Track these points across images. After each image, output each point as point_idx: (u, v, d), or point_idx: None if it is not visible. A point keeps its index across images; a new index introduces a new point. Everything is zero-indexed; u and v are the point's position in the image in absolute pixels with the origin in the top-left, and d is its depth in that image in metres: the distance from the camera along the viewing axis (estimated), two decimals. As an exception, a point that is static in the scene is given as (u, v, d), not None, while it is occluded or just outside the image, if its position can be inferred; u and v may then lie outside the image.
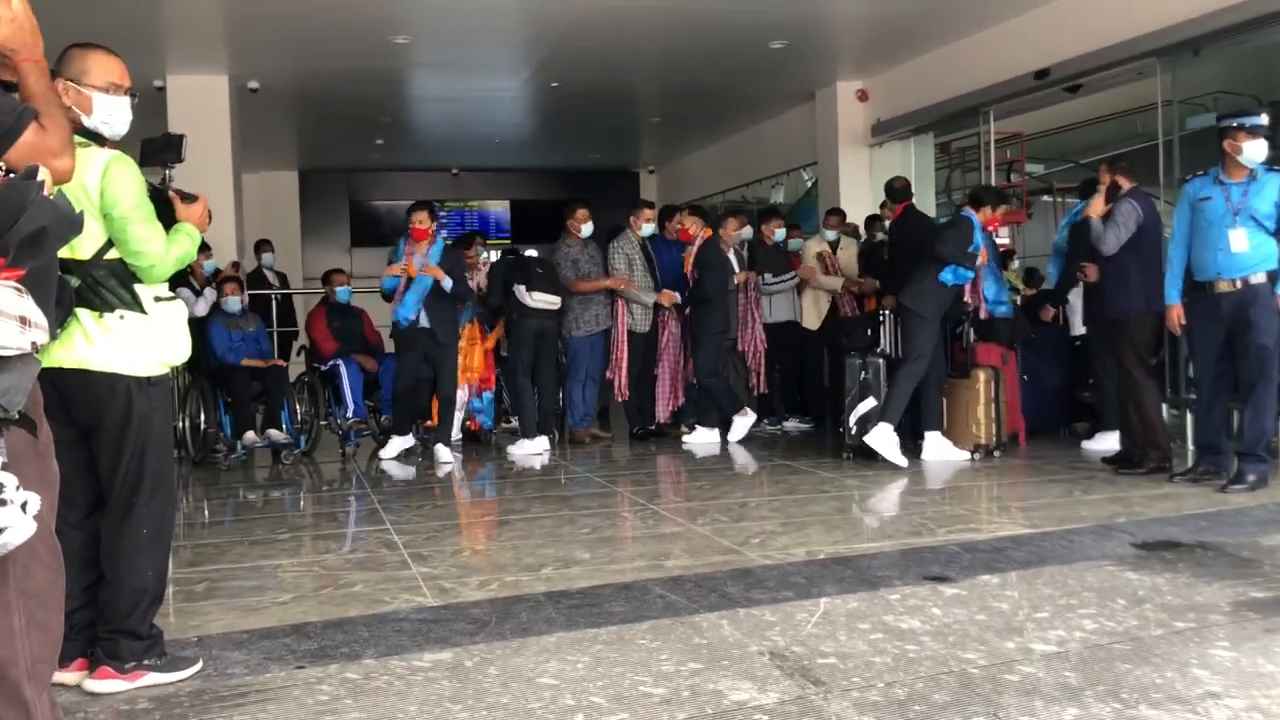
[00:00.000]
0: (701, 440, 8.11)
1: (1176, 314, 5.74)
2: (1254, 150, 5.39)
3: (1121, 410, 6.38)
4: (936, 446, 6.88)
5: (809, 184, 12.82)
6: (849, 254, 9.02)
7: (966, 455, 6.84)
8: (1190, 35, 7.33)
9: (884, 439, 6.64)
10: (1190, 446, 6.55)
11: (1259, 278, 5.40)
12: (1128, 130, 10.81)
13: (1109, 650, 3.09)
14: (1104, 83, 8.73)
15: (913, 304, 6.85)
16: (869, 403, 6.93)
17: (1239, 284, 5.44)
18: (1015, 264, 10.53)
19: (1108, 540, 4.51)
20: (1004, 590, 3.75)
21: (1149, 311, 6.14)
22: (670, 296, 8.29)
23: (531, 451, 7.76)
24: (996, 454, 6.95)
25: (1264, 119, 5.40)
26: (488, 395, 8.41)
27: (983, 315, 7.32)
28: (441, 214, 17.26)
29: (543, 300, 7.96)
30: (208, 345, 7.82)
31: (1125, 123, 10.84)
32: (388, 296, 7.59)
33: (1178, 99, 7.90)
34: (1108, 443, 6.84)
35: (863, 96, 11.09)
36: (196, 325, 7.97)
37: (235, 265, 8.91)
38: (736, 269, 8.60)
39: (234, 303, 8.07)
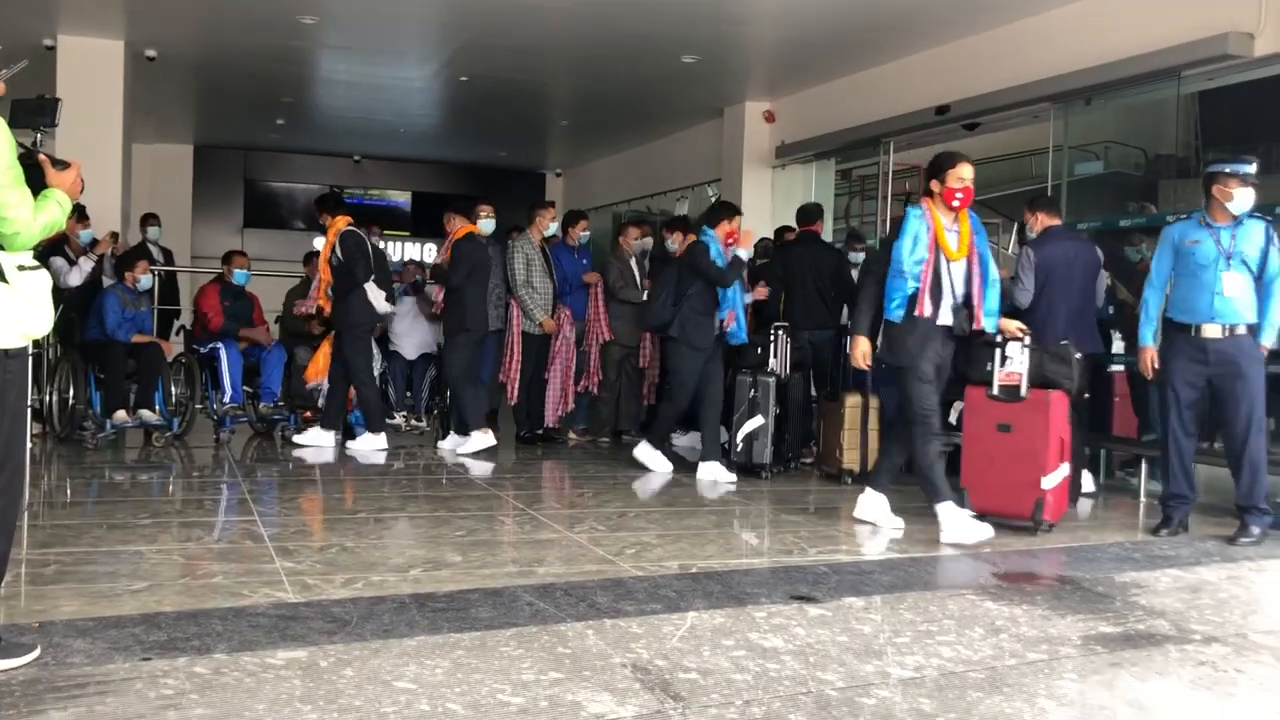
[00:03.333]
0: (468, 448, 7.63)
1: (1150, 356, 5.59)
2: (1244, 198, 5.30)
3: None
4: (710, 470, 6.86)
5: (713, 199, 12.91)
6: None
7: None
8: (1082, 85, 7.61)
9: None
10: (1143, 497, 6.60)
11: (1243, 328, 5.34)
12: (1022, 171, 11.15)
13: (963, 678, 3.15)
14: (1000, 123, 9.00)
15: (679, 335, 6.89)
16: (756, 420, 6.99)
17: (1228, 331, 5.34)
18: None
19: (972, 569, 4.62)
20: (867, 613, 3.80)
21: None
22: (553, 325, 8.20)
23: (376, 447, 7.64)
24: (848, 481, 6.82)
25: (1253, 168, 5.36)
26: None
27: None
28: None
29: (388, 309, 7.87)
30: (95, 317, 7.57)
31: (1020, 164, 11.18)
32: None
33: (1069, 145, 8.18)
34: None
35: (769, 118, 11.23)
36: (81, 296, 7.73)
37: (114, 236, 8.59)
38: (637, 279, 8.62)
39: (147, 281, 8.01)
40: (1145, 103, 8.00)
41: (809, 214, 8.32)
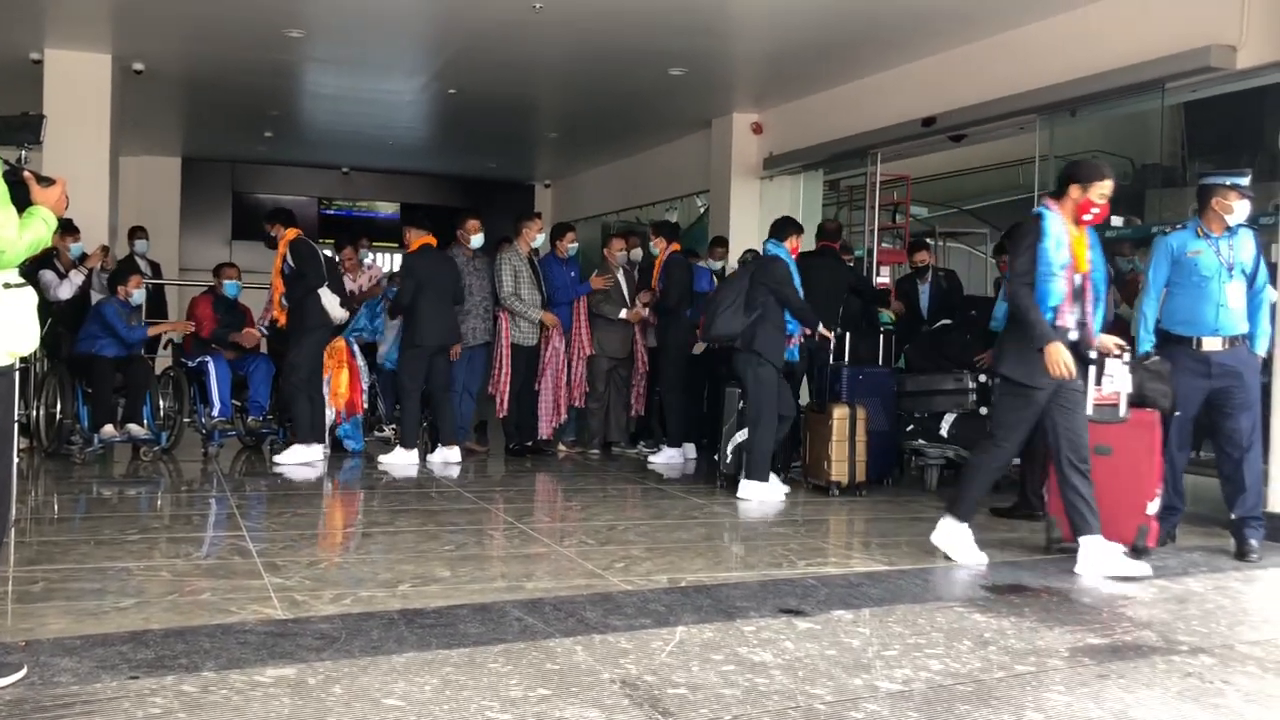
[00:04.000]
0: (398, 461, 7.66)
1: None
2: (1242, 210, 5.26)
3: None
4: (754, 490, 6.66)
5: (701, 210, 12.95)
6: None
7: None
8: (1068, 96, 7.64)
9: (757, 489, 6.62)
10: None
11: (1240, 339, 5.31)
12: (1009, 181, 11.20)
13: (951, 691, 3.16)
14: (987, 134, 9.03)
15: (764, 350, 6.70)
16: (744, 433, 6.98)
17: (1228, 342, 5.27)
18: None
19: (960, 581, 4.63)
20: (856, 626, 3.81)
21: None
22: (553, 318, 8.25)
23: (304, 459, 7.53)
24: (835, 492, 6.85)
25: (1249, 179, 5.31)
26: (356, 419, 8.17)
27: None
28: (327, 212, 17.08)
29: (343, 314, 7.78)
30: (95, 326, 7.60)
31: (1008, 173, 11.23)
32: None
33: (1055, 155, 8.23)
34: None
35: (757, 129, 11.26)
36: (69, 310, 7.73)
37: (104, 250, 8.59)
38: (624, 290, 8.63)
39: (139, 295, 8.04)
40: (1131, 113, 8.05)
41: (828, 232, 8.32)
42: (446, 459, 7.75)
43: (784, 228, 7.01)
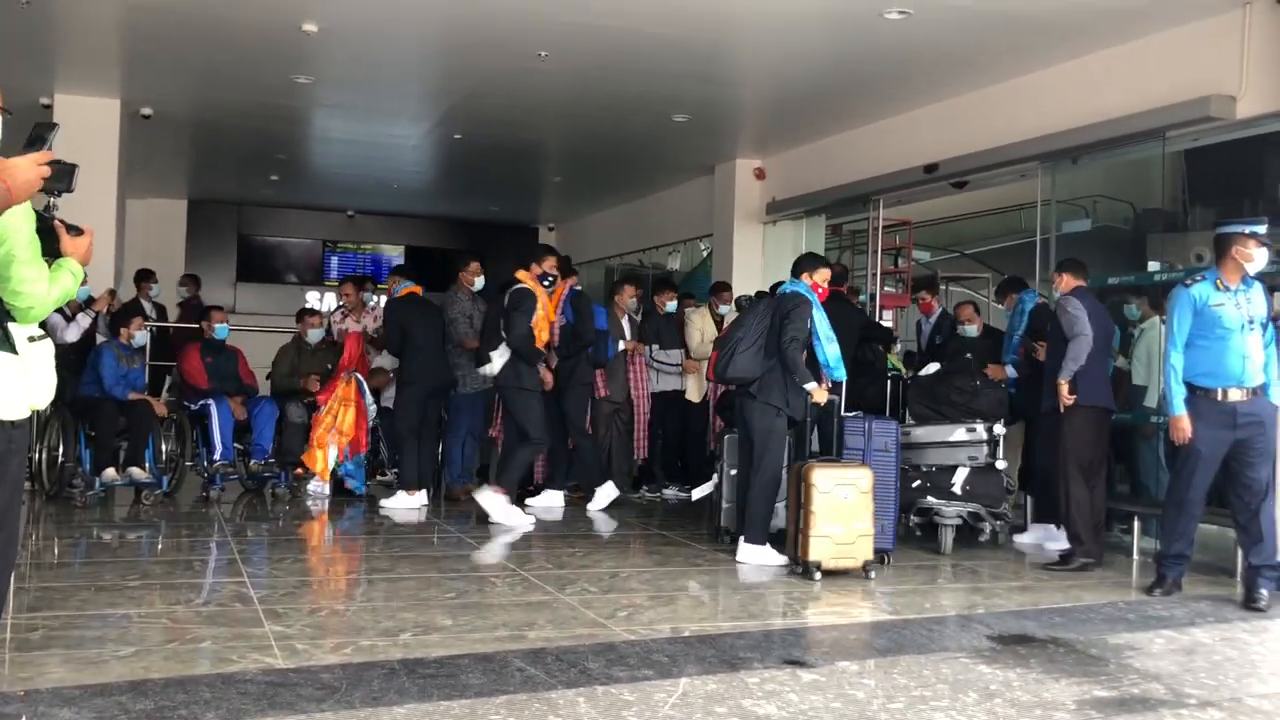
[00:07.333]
0: (399, 505, 7.58)
1: (1184, 425, 5.32)
2: (1261, 258, 5.28)
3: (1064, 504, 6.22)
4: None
5: (705, 254, 13.00)
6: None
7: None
8: (1069, 144, 7.69)
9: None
10: (1136, 555, 6.62)
11: (1260, 388, 5.32)
12: (1011, 225, 11.24)
13: (957, 745, 3.13)
14: (988, 180, 9.08)
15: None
16: (710, 486, 6.89)
17: (1251, 393, 5.29)
18: (898, 347, 10.76)
19: (966, 631, 4.60)
20: (861, 678, 3.78)
21: (1077, 405, 6.13)
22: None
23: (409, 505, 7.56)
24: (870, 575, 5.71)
25: (1265, 227, 5.33)
26: (359, 458, 8.15)
27: None
28: (332, 255, 17.17)
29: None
30: (91, 374, 7.63)
31: (1009, 218, 11.27)
32: None
33: (1056, 200, 8.27)
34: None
35: (760, 174, 11.34)
36: (73, 353, 7.75)
37: (111, 293, 8.62)
38: (628, 335, 8.64)
39: (142, 338, 8.09)
40: (1132, 160, 8.09)
41: (834, 275, 8.24)
42: (408, 504, 7.58)
43: (799, 262, 6.40)
